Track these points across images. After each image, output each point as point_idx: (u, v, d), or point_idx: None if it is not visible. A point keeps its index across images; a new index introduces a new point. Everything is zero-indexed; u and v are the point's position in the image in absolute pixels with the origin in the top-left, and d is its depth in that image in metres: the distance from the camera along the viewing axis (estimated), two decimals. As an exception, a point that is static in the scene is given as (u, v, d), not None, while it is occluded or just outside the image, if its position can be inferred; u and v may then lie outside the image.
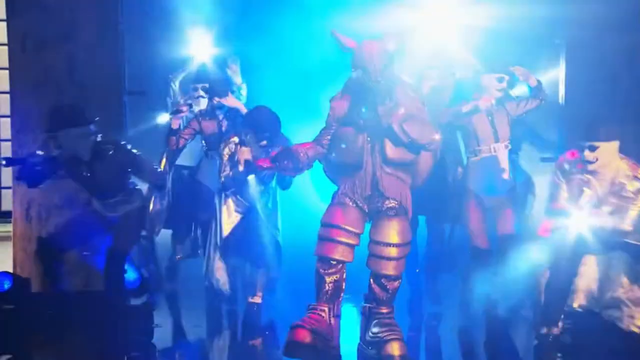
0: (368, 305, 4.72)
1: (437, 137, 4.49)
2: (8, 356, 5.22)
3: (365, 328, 4.77)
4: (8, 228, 6.45)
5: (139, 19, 6.65)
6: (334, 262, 4.47)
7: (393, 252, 4.51)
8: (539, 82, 5.36)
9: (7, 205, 6.86)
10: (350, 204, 4.53)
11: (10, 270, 5.99)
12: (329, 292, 4.52)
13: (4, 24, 6.43)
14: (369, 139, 4.50)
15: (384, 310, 4.66)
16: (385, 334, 4.55)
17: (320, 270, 4.49)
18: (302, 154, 4.56)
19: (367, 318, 4.74)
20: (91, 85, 6.23)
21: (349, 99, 4.62)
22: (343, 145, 4.56)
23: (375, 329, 4.64)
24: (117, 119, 6.22)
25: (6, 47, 6.40)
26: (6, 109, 6.50)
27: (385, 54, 4.46)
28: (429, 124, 4.49)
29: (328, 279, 4.50)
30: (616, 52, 5.87)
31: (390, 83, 4.51)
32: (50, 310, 5.71)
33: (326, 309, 4.55)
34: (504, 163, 5.30)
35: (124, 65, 6.34)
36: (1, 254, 6.45)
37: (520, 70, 5.32)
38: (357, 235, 4.49)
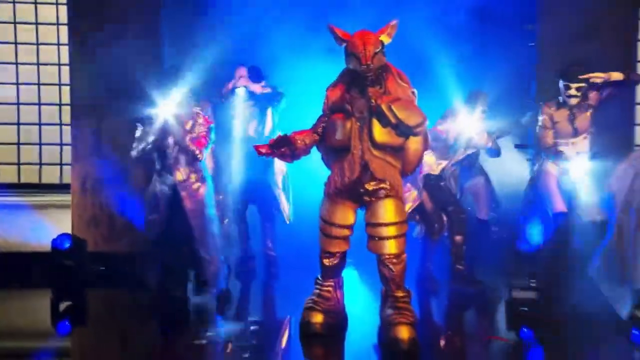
0: (385, 288, 4.61)
1: (425, 121, 4.36)
2: (68, 303, 5.76)
3: (382, 308, 4.71)
4: (68, 198, 6.80)
5: (179, 24, 6.95)
6: (333, 254, 4.61)
7: (391, 231, 4.41)
8: (626, 74, 5.50)
9: (67, 179, 7.11)
10: (340, 199, 4.50)
11: (69, 232, 6.46)
12: (332, 272, 4.68)
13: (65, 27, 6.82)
14: (358, 123, 4.37)
15: (399, 294, 4.54)
16: (396, 317, 4.45)
17: (324, 259, 4.64)
18: (299, 141, 4.47)
19: (384, 299, 4.66)
20: (137, 81, 6.36)
21: (343, 88, 4.49)
22: (333, 130, 4.45)
23: (388, 311, 4.54)
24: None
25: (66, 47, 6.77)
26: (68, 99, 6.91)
27: (377, 42, 4.33)
28: (418, 109, 4.35)
29: (329, 264, 4.65)
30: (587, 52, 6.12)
31: (381, 70, 4.39)
32: (102, 266, 6.42)
33: (332, 284, 4.71)
34: (581, 154, 5.65)
35: (164, 62, 6.63)
36: (62, 219, 6.80)
37: (598, 77, 5.51)
38: (350, 226, 4.54)
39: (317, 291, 4.67)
